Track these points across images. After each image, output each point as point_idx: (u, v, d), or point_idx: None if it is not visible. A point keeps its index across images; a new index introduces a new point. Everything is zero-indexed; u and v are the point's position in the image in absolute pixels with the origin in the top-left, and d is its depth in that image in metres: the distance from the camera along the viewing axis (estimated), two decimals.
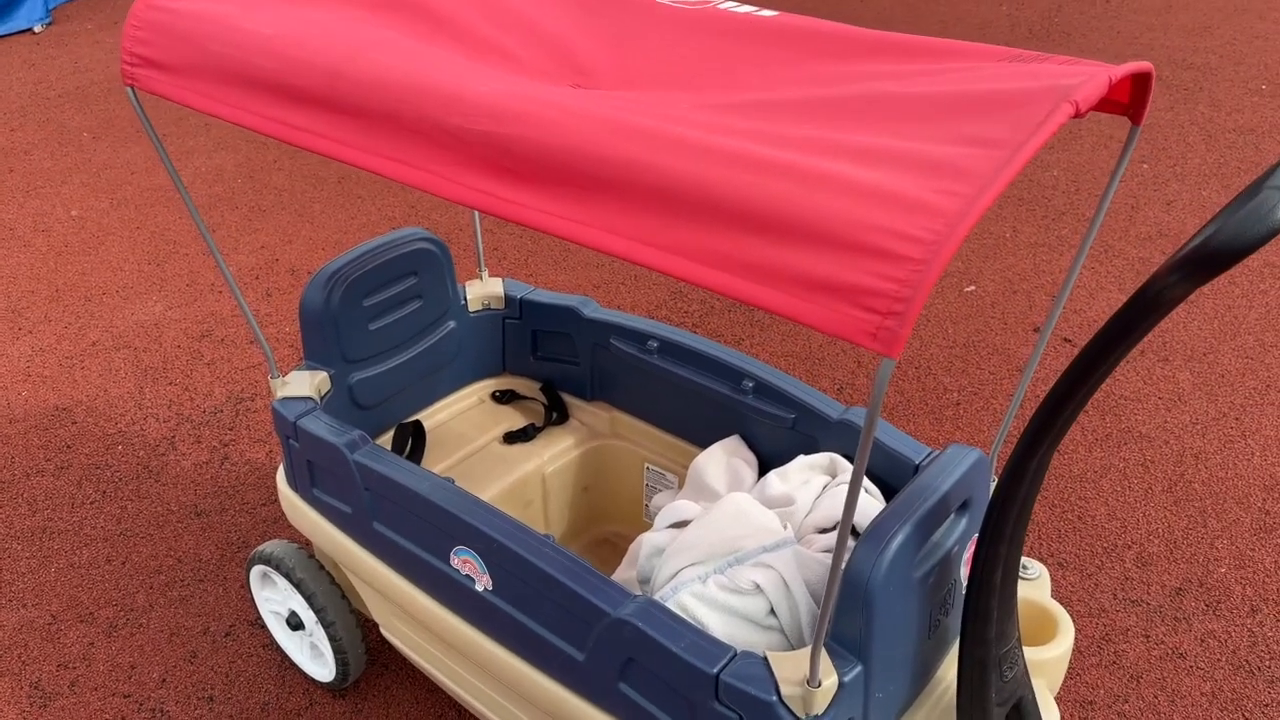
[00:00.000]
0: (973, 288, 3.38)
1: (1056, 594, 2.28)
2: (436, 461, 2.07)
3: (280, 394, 1.87)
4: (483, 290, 2.18)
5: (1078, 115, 1.02)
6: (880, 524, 1.33)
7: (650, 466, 2.09)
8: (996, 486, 1.27)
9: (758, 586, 1.43)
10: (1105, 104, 1.32)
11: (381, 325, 2.00)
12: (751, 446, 1.90)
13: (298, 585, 1.96)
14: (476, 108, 1.21)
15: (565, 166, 1.13)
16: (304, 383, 1.89)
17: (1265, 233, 0.92)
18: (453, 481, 1.66)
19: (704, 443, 1.94)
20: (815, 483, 1.66)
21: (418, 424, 2.10)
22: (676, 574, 1.50)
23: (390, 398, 2.07)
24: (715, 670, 1.32)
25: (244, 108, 1.40)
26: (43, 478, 2.68)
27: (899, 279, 0.93)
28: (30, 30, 5.77)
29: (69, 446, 2.78)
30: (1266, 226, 0.92)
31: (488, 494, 1.99)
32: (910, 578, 1.36)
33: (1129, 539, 2.41)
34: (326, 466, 1.77)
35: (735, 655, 1.34)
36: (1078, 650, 2.16)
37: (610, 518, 2.23)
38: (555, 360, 2.18)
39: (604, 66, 1.38)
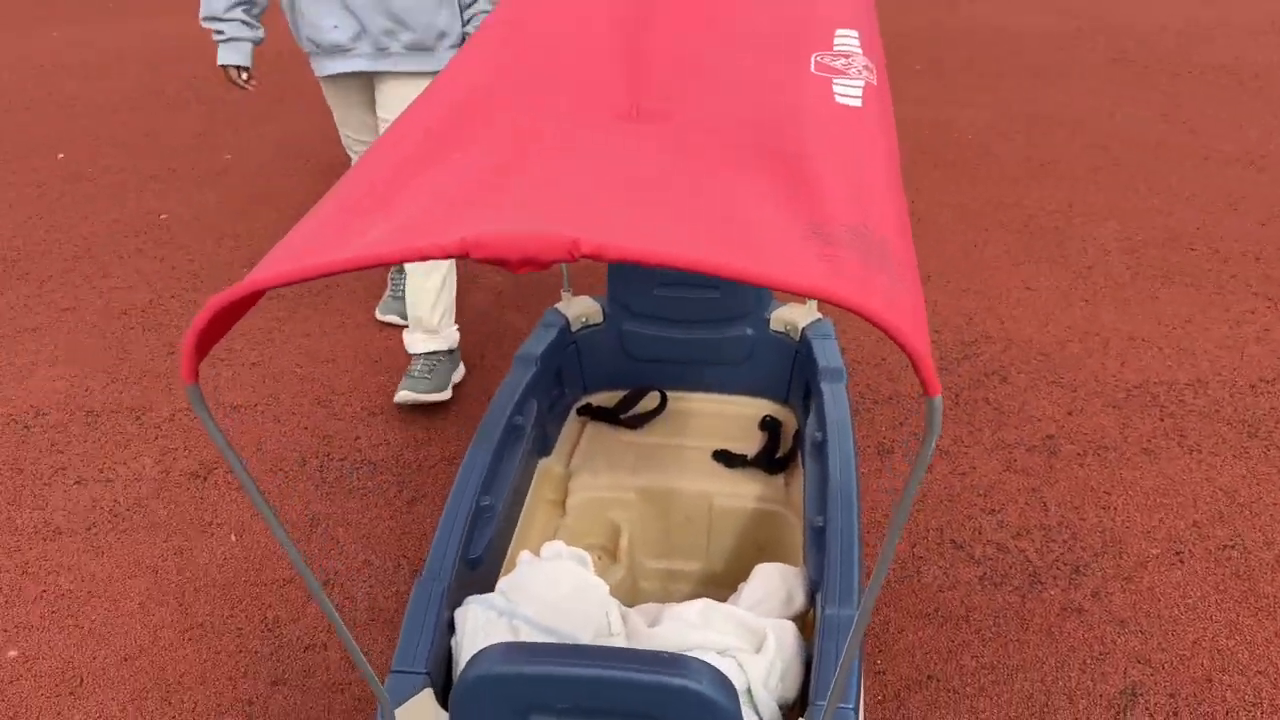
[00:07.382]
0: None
1: None
2: (656, 432, 2.11)
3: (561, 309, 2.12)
4: (789, 315, 2.13)
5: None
6: None
7: None
8: None
9: None
10: None
11: (666, 295, 2.09)
12: None
13: None
14: None
15: None
16: (579, 305, 2.13)
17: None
18: None
19: None
20: None
21: (663, 395, 2.15)
22: None
23: (658, 361, 2.15)
24: None
25: None
26: None
27: None
28: None
29: None
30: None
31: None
32: None
33: None
34: None
35: None
36: None
37: None
38: None
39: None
